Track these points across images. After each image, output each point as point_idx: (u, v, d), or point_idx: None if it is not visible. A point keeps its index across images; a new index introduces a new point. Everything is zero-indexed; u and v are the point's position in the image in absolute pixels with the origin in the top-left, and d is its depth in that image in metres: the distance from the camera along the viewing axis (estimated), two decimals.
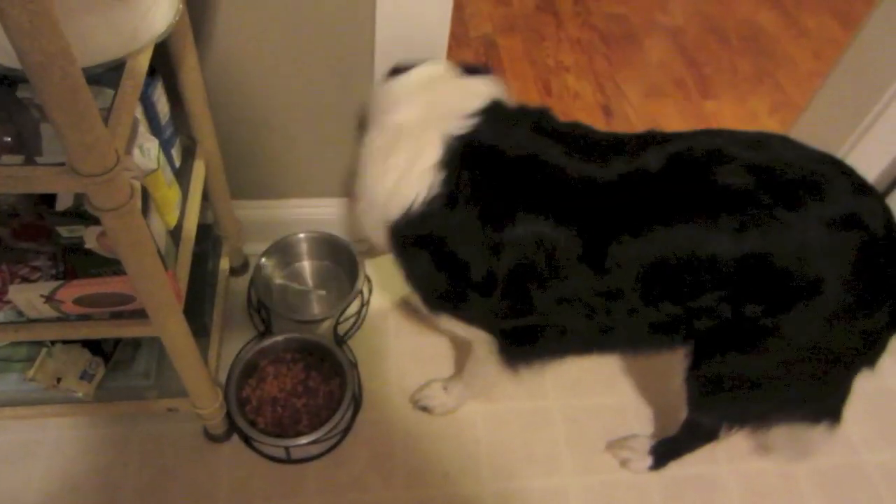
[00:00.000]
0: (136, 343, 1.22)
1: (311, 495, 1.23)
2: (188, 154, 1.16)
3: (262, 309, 1.40)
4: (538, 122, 0.96)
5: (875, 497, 1.31)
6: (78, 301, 0.90)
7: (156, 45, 0.84)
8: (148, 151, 0.94)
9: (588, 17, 2.45)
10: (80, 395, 1.14)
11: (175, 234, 1.04)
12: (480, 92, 0.98)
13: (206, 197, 1.27)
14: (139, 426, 1.28)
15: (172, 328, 0.93)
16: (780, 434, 1.16)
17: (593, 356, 1.14)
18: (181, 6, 0.88)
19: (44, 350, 1.14)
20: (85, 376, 1.14)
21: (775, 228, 0.84)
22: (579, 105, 2.11)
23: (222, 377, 1.29)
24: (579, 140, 0.93)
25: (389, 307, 1.51)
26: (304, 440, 1.19)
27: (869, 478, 1.34)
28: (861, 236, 0.86)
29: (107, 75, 0.77)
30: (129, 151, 0.89)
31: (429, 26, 1.15)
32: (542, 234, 0.87)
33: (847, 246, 0.85)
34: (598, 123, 2.03)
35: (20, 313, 0.92)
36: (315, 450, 1.25)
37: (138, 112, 0.96)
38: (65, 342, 1.15)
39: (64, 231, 0.86)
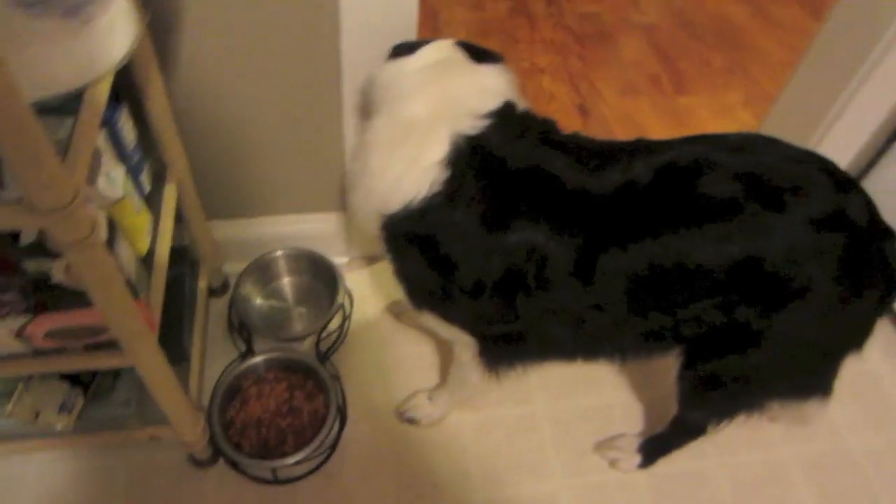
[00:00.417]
0: (115, 372, 1.21)
1: None
2: (159, 178, 1.15)
3: (243, 329, 1.39)
4: (545, 133, 0.96)
5: (863, 481, 1.32)
6: (49, 335, 0.89)
7: (119, 71, 0.83)
8: (114, 179, 0.93)
9: (561, 18, 2.46)
10: (59, 427, 1.12)
11: (147, 260, 1.03)
12: (495, 89, 0.97)
13: (180, 219, 1.26)
14: (123, 455, 1.27)
15: (147, 358, 0.92)
16: (776, 409, 1.17)
17: (579, 362, 1.15)
18: (141, 32, 0.87)
19: (20, 385, 1.13)
20: (64, 409, 1.13)
21: (763, 233, 0.85)
22: (555, 106, 2.11)
23: (206, 400, 1.27)
24: (579, 152, 0.93)
25: (372, 320, 1.51)
26: (290, 460, 1.18)
27: (856, 462, 1.35)
28: (846, 232, 0.87)
29: (68, 104, 0.76)
30: (93, 180, 0.88)
31: (395, 36, 1.14)
32: (536, 244, 0.88)
33: (834, 243, 0.87)
34: (575, 124, 2.04)
35: None
36: (302, 469, 1.25)
37: (103, 139, 0.95)
38: (42, 376, 1.14)
39: (30, 266, 0.85)
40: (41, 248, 0.84)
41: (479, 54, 1.02)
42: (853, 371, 1.44)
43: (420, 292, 1.02)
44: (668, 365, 1.11)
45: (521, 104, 1.00)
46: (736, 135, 0.95)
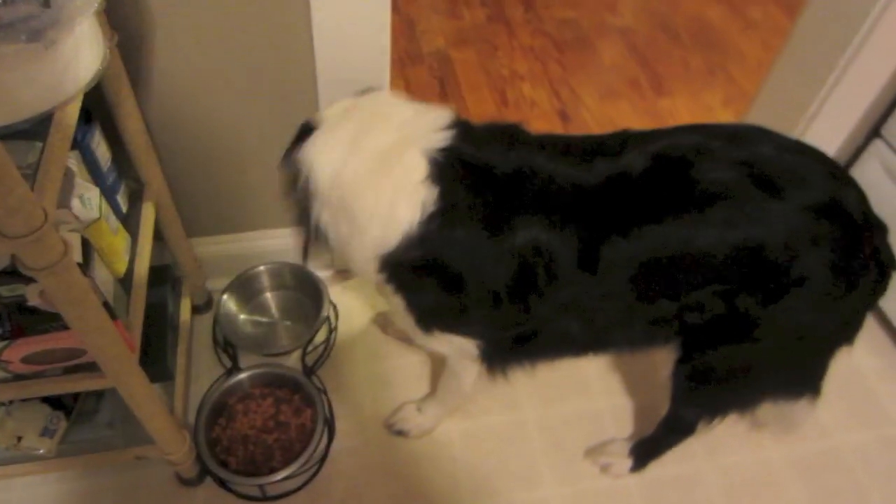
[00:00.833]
0: (98, 393, 1.20)
1: None
2: (136, 198, 1.14)
3: (229, 346, 1.38)
4: (514, 133, 0.96)
5: (852, 477, 1.33)
6: (26, 360, 0.88)
7: (91, 91, 0.83)
8: (89, 201, 0.92)
9: (539, 25, 2.47)
10: (42, 451, 1.11)
11: (126, 281, 1.02)
12: (440, 113, 0.96)
13: (160, 237, 1.25)
14: (109, 476, 1.25)
15: (128, 379, 0.92)
16: (766, 412, 1.18)
17: (589, 356, 1.14)
18: (108, 52, 0.87)
19: (1, 409, 1.12)
20: (46, 432, 1.12)
21: (761, 220, 0.86)
22: (537, 112, 2.12)
23: (192, 418, 1.26)
24: (559, 146, 0.93)
25: (358, 333, 1.50)
26: (278, 476, 1.18)
27: (844, 459, 1.35)
28: (842, 221, 0.88)
29: (37, 127, 0.76)
30: (67, 203, 0.87)
31: (368, 47, 1.14)
32: (539, 241, 0.87)
33: (830, 231, 0.88)
34: (556, 129, 2.05)
35: None
36: (291, 485, 1.24)
37: (76, 161, 0.94)
38: (22, 399, 1.13)
39: (4, 291, 0.84)
40: (14, 272, 0.83)
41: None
42: (839, 368, 1.44)
43: (432, 316, 1.00)
44: (658, 367, 1.11)
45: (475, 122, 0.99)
46: (730, 125, 0.96)
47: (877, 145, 1.49)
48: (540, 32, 2.44)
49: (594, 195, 0.88)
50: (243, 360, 1.39)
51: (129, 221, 1.10)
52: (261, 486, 1.20)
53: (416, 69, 2.26)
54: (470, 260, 0.90)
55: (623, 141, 0.93)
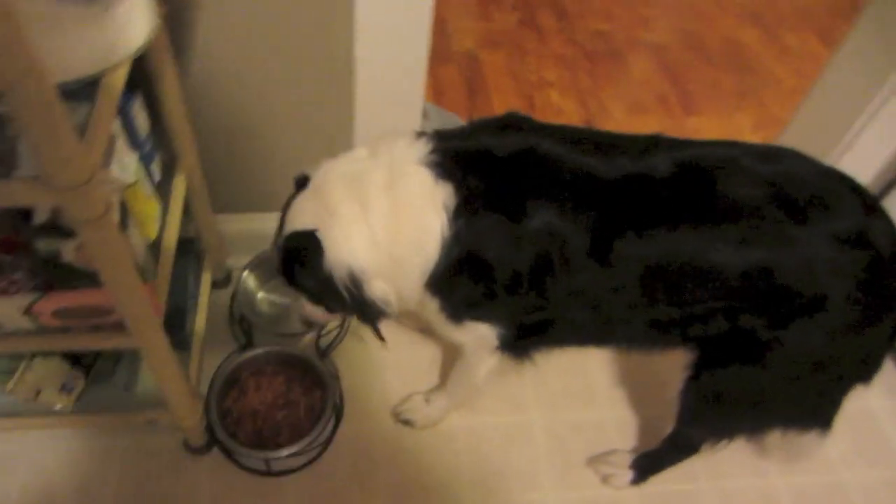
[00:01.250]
0: (116, 356, 1.23)
1: None
2: (169, 168, 1.17)
3: (244, 322, 1.40)
4: (511, 121, 0.97)
5: None
6: (56, 314, 0.90)
7: (135, 61, 0.85)
8: (127, 165, 0.95)
9: (572, 34, 2.48)
10: (59, 407, 1.14)
11: (155, 247, 1.05)
12: (404, 133, 0.97)
13: (187, 211, 1.28)
14: (119, 438, 1.28)
15: (152, 340, 0.94)
16: (772, 439, 1.17)
17: (594, 346, 1.14)
18: (158, 22, 0.89)
19: (23, 363, 1.14)
20: (65, 388, 1.14)
21: (782, 242, 0.85)
22: (563, 121, 2.13)
23: (204, 389, 1.29)
24: (569, 134, 0.94)
25: None
26: (284, 452, 1.19)
27: (848, 496, 1.34)
28: (868, 254, 0.87)
29: (84, 90, 0.78)
30: (107, 165, 0.90)
31: (407, 39, 1.16)
32: (552, 225, 0.88)
33: (853, 263, 0.86)
34: None
35: None
36: (295, 462, 1.26)
37: (117, 126, 0.97)
38: (44, 355, 1.16)
39: (41, 245, 0.86)
40: (53, 227, 0.86)
41: None
42: (852, 407, 1.44)
43: (466, 306, 1.01)
44: (666, 383, 1.11)
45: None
46: (764, 144, 0.96)
47: None
48: (571, 42, 2.45)
49: (611, 188, 0.89)
50: (256, 338, 1.41)
51: (161, 191, 1.13)
52: (266, 461, 1.22)
53: (444, 68, 2.28)
54: (496, 246, 0.91)
55: (652, 144, 0.93)
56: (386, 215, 0.91)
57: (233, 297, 1.43)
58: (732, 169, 0.89)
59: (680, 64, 2.40)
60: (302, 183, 1.01)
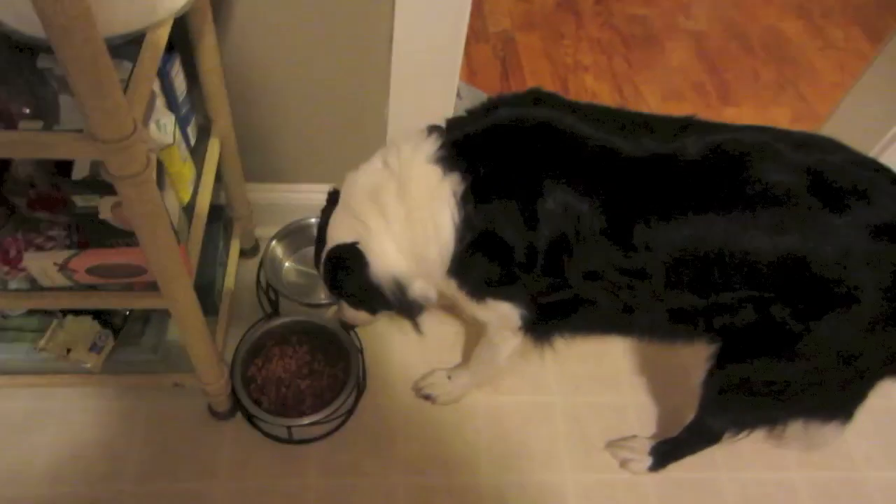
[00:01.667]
0: (145, 318, 1.24)
1: (310, 476, 1.24)
2: (203, 133, 1.17)
3: (271, 291, 1.41)
4: (535, 97, 0.95)
5: None
6: (91, 271, 0.91)
7: (175, 22, 0.85)
8: (164, 126, 0.95)
9: (609, 18, 2.44)
10: (88, 366, 1.16)
11: (188, 210, 1.05)
12: (413, 134, 0.98)
13: (219, 178, 1.28)
14: (145, 400, 1.30)
15: (183, 301, 0.95)
16: (790, 429, 1.16)
17: (616, 336, 1.15)
18: None
19: (55, 321, 1.17)
20: (94, 348, 1.16)
21: (817, 231, 0.83)
22: None
23: (228, 357, 1.30)
24: (595, 112, 0.93)
25: None
26: (306, 421, 1.21)
27: (869, 495, 1.32)
28: None
29: (125, 48, 0.78)
30: (145, 125, 0.90)
31: (446, 16, 1.15)
32: (568, 203, 0.87)
33: (889, 254, 0.84)
34: None
35: (34, 281, 0.94)
36: (317, 431, 1.27)
37: (156, 87, 0.97)
38: (75, 314, 1.18)
39: (79, 201, 0.87)
40: (92, 183, 0.86)
41: None
42: (878, 405, 1.42)
43: (486, 285, 1.01)
44: (689, 370, 1.10)
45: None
46: (801, 132, 0.93)
47: None
48: (609, 26, 2.41)
49: (634, 168, 0.87)
50: (282, 308, 1.41)
51: (196, 155, 1.13)
52: (288, 428, 1.23)
53: (479, 47, 2.26)
54: (507, 224, 0.90)
55: (683, 125, 0.91)
56: (402, 221, 0.95)
57: (260, 266, 1.44)
58: (767, 154, 0.86)
59: (719, 52, 2.35)
60: (334, 198, 1.06)
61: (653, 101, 2.13)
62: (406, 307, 1.03)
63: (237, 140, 1.27)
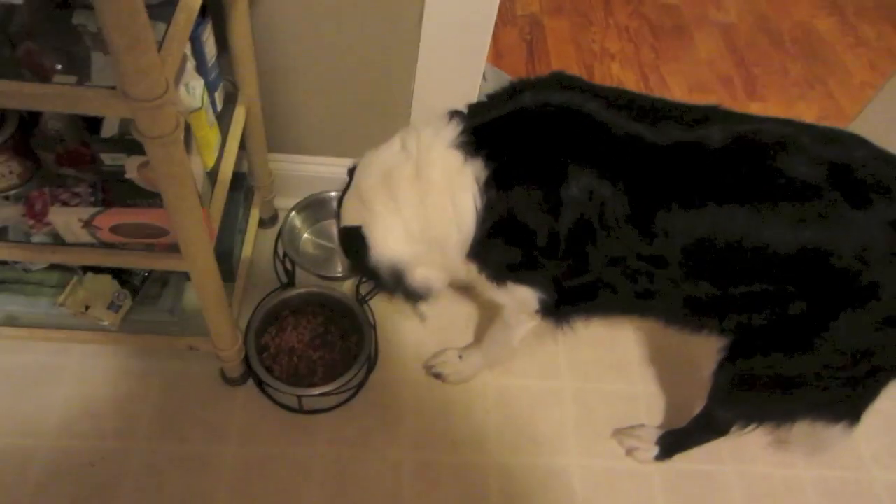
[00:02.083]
0: (163, 280, 1.25)
1: (319, 445, 1.25)
2: (230, 100, 1.18)
3: (288, 261, 1.42)
4: (558, 81, 0.94)
5: None
6: (114, 229, 0.92)
7: None
8: (193, 90, 0.95)
9: (639, 6, 2.41)
10: (106, 323, 1.17)
11: (211, 175, 1.06)
12: (434, 118, 0.97)
13: (242, 146, 1.28)
14: (159, 362, 1.32)
15: (203, 264, 0.95)
16: (796, 429, 1.15)
17: (633, 319, 1.14)
18: None
19: (75, 277, 1.18)
20: (112, 307, 1.18)
21: (837, 225, 0.83)
22: None
23: (242, 324, 1.31)
24: (619, 97, 0.92)
25: None
26: (316, 391, 1.22)
27: (876, 495, 1.32)
28: None
29: (159, 10, 0.78)
30: (175, 87, 0.90)
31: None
32: (592, 189, 0.86)
33: None
34: None
35: (57, 236, 0.95)
36: (327, 402, 1.28)
37: (187, 50, 0.97)
38: (95, 272, 1.19)
39: (107, 159, 0.88)
40: (120, 142, 0.87)
41: None
42: (886, 405, 1.41)
43: (507, 269, 1.01)
44: (700, 362, 1.10)
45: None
46: (827, 127, 0.92)
47: None
48: (638, 14, 2.38)
49: (656, 155, 0.86)
50: (298, 279, 1.42)
51: (222, 121, 1.13)
52: (299, 398, 1.24)
53: (507, 30, 2.23)
54: (529, 209, 0.90)
55: (708, 114, 0.90)
56: (415, 206, 0.95)
57: (278, 237, 1.44)
58: (790, 146, 0.86)
59: (748, 46, 2.31)
60: (353, 174, 1.05)
61: (678, 92, 2.11)
62: (404, 293, 1.05)
63: (262, 109, 1.27)
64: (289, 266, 1.41)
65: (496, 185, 0.89)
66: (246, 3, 1.07)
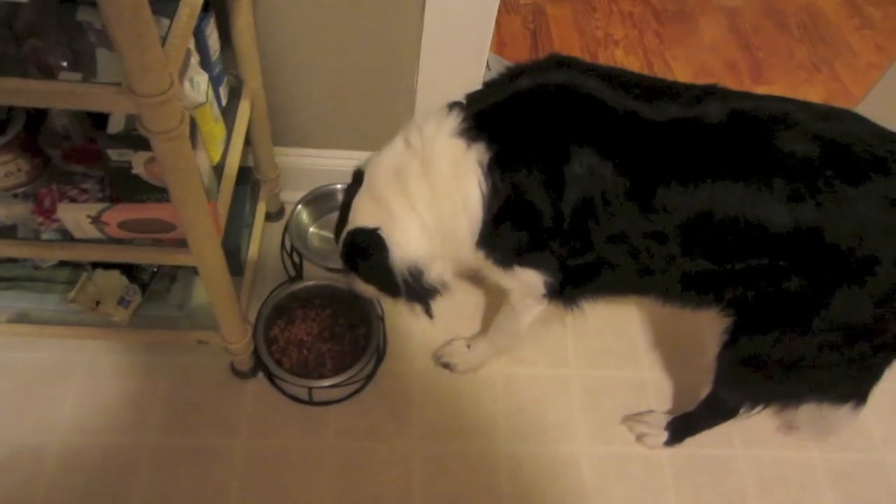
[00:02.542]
0: (172, 275, 1.26)
1: (328, 437, 1.26)
2: (234, 94, 1.17)
3: (295, 254, 1.42)
4: (555, 62, 0.95)
5: (890, 495, 1.30)
6: (122, 225, 0.93)
7: None
8: (198, 85, 0.95)
9: None
10: (116, 319, 1.18)
11: (217, 170, 1.06)
12: (437, 111, 0.98)
13: (248, 140, 1.29)
14: (169, 356, 1.33)
15: (210, 258, 0.96)
16: (803, 412, 1.15)
17: (633, 298, 1.14)
18: None
19: (85, 274, 1.19)
20: (122, 302, 1.18)
21: (834, 202, 0.83)
22: None
23: (251, 317, 1.31)
24: (618, 76, 0.92)
25: None
26: (326, 383, 1.22)
27: (886, 476, 1.32)
28: None
29: (162, 6, 0.78)
30: (180, 82, 0.91)
31: None
32: (593, 168, 0.87)
33: None
34: None
35: (66, 233, 0.95)
36: (336, 394, 1.28)
37: (190, 45, 0.97)
38: (105, 268, 1.19)
39: (113, 154, 0.88)
40: (126, 138, 0.87)
41: None
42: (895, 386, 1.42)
43: (513, 252, 1.01)
44: (706, 346, 1.10)
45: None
46: (826, 105, 0.92)
47: None
48: (642, 0, 2.36)
49: (654, 132, 0.87)
50: (305, 272, 1.43)
51: (226, 116, 1.13)
52: (309, 389, 1.25)
53: (509, 18, 2.22)
54: (533, 190, 0.90)
55: (707, 92, 0.91)
56: (427, 199, 0.95)
57: (285, 230, 1.45)
58: (789, 123, 0.86)
59: (753, 30, 2.29)
60: (358, 177, 1.05)
61: (683, 77, 2.10)
62: (419, 293, 1.05)
63: (268, 103, 1.27)
64: (296, 259, 1.42)
65: (499, 167, 0.90)
66: None
